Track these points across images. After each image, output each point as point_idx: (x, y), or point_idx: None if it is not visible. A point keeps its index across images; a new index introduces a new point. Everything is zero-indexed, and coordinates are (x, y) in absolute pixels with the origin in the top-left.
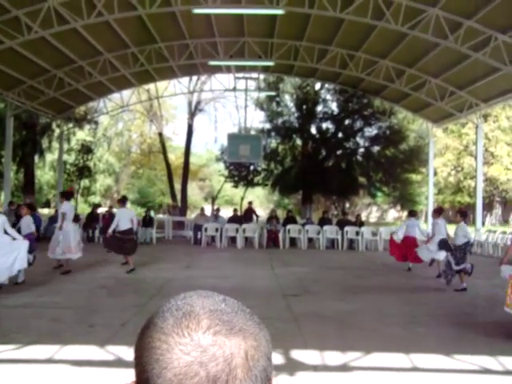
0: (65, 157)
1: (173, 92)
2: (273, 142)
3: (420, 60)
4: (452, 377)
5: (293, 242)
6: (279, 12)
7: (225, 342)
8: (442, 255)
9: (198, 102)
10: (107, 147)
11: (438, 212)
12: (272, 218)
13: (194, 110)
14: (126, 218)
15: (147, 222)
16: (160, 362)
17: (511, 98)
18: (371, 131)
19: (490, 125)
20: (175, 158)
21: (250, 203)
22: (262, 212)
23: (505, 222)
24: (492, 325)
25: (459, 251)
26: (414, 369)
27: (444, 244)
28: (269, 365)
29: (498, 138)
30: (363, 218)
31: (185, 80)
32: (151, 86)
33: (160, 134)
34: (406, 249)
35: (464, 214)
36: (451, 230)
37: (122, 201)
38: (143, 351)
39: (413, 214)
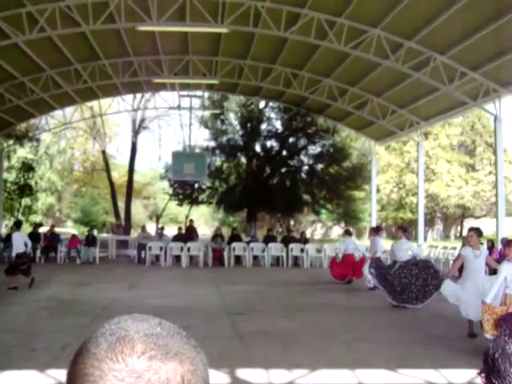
0: (5, 175)
1: (116, 109)
2: (217, 160)
3: (362, 79)
4: None
5: (238, 260)
6: (224, 30)
7: (160, 367)
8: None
9: (142, 120)
10: (49, 165)
11: (377, 230)
12: (217, 236)
13: (137, 128)
14: (20, 242)
15: (90, 241)
16: None
17: (450, 117)
18: (315, 149)
19: (431, 142)
20: (119, 176)
21: (192, 221)
22: (206, 230)
23: (446, 237)
24: (434, 338)
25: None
26: None
27: (375, 262)
28: None
29: (439, 155)
30: (308, 235)
31: (129, 97)
32: (94, 103)
33: (103, 152)
34: (345, 267)
35: (404, 229)
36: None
37: (17, 225)
38: (75, 379)
39: (349, 232)
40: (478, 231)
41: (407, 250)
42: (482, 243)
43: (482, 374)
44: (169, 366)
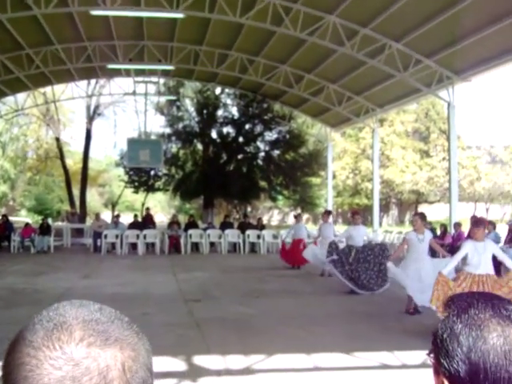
0: None
1: (70, 96)
2: (173, 147)
3: (318, 66)
4: (352, 374)
5: (195, 246)
6: (179, 16)
7: (99, 354)
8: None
9: (97, 106)
10: (1, 153)
11: (327, 214)
12: (173, 223)
13: (92, 115)
14: None
15: (44, 229)
16: (29, 380)
17: (405, 104)
18: (271, 135)
19: (386, 129)
20: (73, 163)
21: (148, 210)
22: (163, 217)
23: (401, 222)
24: (388, 320)
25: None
26: (316, 368)
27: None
28: (149, 376)
29: (393, 141)
30: (264, 222)
31: (83, 83)
32: (48, 89)
33: (57, 139)
34: (295, 252)
35: (355, 214)
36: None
37: None
38: (12, 368)
39: (299, 217)
40: (421, 216)
41: (364, 235)
42: (434, 228)
43: (431, 355)
44: (108, 352)
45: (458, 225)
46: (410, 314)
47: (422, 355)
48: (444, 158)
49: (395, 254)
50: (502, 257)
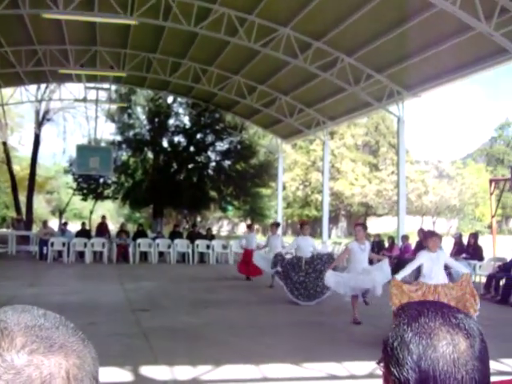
0: None
1: (19, 100)
2: (124, 155)
3: (271, 77)
4: None
5: (143, 256)
6: (132, 22)
7: (42, 362)
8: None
9: (46, 112)
10: None
11: (276, 226)
12: (122, 231)
13: (41, 120)
14: None
15: None
16: None
17: (356, 117)
18: (223, 146)
19: (336, 142)
20: (21, 169)
21: (104, 218)
22: (112, 226)
23: (349, 234)
24: (337, 331)
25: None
26: (264, 379)
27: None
28: None
29: (344, 154)
30: (214, 232)
31: (32, 88)
32: None
33: (4, 144)
34: (247, 262)
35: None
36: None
37: None
38: None
39: (251, 227)
40: (363, 226)
41: (311, 245)
42: (382, 240)
43: (381, 364)
44: (52, 360)
45: (405, 237)
46: (356, 323)
47: (370, 365)
48: (393, 172)
49: (335, 262)
50: (454, 265)
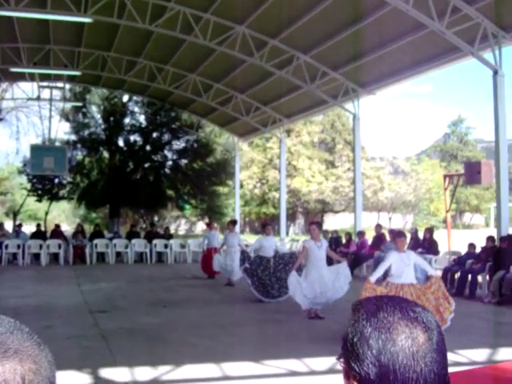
0: None
1: None
2: (79, 155)
3: (227, 75)
4: (261, 382)
5: (100, 257)
6: (86, 20)
7: None
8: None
9: None
10: None
11: (233, 224)
12: (78, 232)
13: None
14: None
15: None
16: None
17: (312, 115)
18: (179, 144)
19: (293, 139)
20: None
21: (58, 226)
22: (67, 227)
23: (307, 231)
24: (296, 327)
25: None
26: (225, 378)
27: (244, 254)
28: None
29: (300, 152)
30: (172, 231)
31: None
32: None
33: None
34: (208, 260)
35: (267, 225)
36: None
37: None
38: None
39: (211, 226)
40: (319, 224)
41: (274, 245)
42: (339, 237)
43: (341, 359)
44: (6, 365)
45: (361, 233)
46: (310, 318)
47: (330, 360)
48: (349, 169)
49: (296, 263)
50: (423, 265)
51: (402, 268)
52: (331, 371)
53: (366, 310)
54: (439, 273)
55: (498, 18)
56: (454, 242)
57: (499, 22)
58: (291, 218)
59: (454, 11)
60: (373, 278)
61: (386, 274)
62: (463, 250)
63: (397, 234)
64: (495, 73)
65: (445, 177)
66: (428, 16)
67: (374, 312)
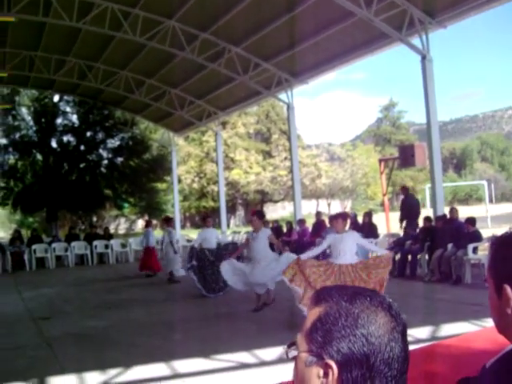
0: None
1: None
2: (11, 158)
3: (159, 71)
4: (213, 377)
5: (40, 262)
6: (10, 19)
7: None
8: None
9: None
10: None
11: (168, 220)
12: (15, 239)
13: None
14: None
15: None
16: None
17: (246, 106)
18: (114, 142)
19: (229, 132)
20: None
21: None
22: (3, 233)
23: (248, 222)
24: (244, 320)
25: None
26: (176, 375)
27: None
28: None
29: (237, 143)
30: (112, 231)
31: None
32: None
33: None
34: (147, 258)
35: (207, 217)
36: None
37: None
38: None
39: (149, 224)
40: (259, 214)
41: (216, 237)
42: (280, 226)
43: (292, 347)
44: None
45: (302, 221)
46: (256, 310)
47: (279, 350)
48: (286, 158)
49: (237, 252)
50: (366, 245)
51: (337, 248)
52: (281, 361)
53: (347, 293)
54: (390, 254)
55: (424, 5)
56: (392, 224)
57: (425, 8)
58: (231, 210)
59: None
60: (304, 256)
61: (325, 255)
62: (402, 232)
63: (332, 217)
64: (423, 58)
65: (380, 161)
66: (356, 4)
67: (356, 295)
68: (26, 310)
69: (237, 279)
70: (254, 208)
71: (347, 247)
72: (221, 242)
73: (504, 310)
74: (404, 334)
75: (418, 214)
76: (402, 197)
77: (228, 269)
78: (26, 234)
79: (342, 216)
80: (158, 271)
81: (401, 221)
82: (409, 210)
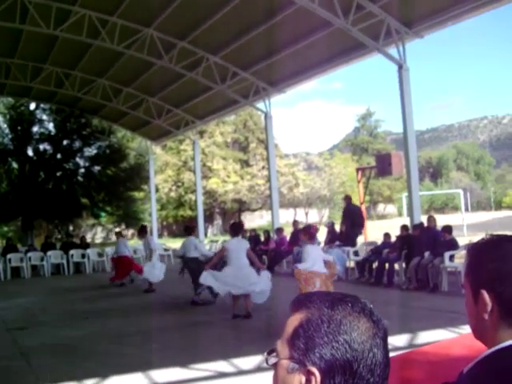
0: None
1: None
2: None
3: (137, 79)
4: None
5: (15, 271)
6: None
7: None
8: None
9: None
10: None
11: (144, 231)
12: None
13: None
14: None
15: None
16: None
17: (224, 115)
18: (91, 151)
19: (206, 140)
20: None
21: None
22: None
23: (225, 231)
24: (221, 328)
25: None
26: None
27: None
28: None
29: (214, 152)
30: (88, 240)
31: None
32: None
33: None
34: (123, 267)
35: (190, 228)
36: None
37: None
38: None
39: (120, 234)
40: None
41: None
42: (258, 235)
43: (272, 354)
44: None
45: (280, 230)
46: (233, 317)
47: (257, 359)
48: (263, 167)
49: (212, 262)
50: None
51: (315, 258)
52: (259, 369)
53: (328, 299)
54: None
55: (401, 15)
56: (369, 232)
57: (402, 18)
58: (209, 219)
59: (358, 9)
60: (301, 266)
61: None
62: (379, 240)
63: (302, 230)
64: (400, 67)
65: (357, 170)
66: (333, 14)
67: (337, 302)
68: (1, 320)
69: (220, 283)
70: (232, 217)
71: (320, 257)
72: (206, 255)
73: (481, 315)
74: (385, 340)
75: (361, 221)
76: (344, 205)
77: (208, 275)
78: (0, 243)
79: (308, 227)
80: (141, 273)
81: (342, 228)
82: (352, 218)
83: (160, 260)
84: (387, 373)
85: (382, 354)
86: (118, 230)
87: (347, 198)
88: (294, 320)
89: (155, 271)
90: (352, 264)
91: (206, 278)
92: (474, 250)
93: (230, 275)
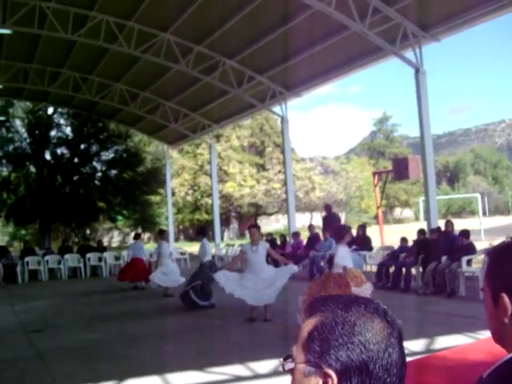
0: None
1: None
2: (4, 171)
3: (153, 83)
4: None
5: (32, 274)
6: (5, 31)
7: None
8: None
9: None
10: None
11: (162, 233)
12: (7, 251)
13: None
14: None
15: None
16: None
17: (240, 119)
18: (108, 155)
19: (223, 144)
20: None
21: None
22: None
23: (241, 235)
24: (236, 332)
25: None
26: None
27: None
28: None
29: (231, 156)
30: (105, 243)
31: None
32: None
33: None
34: (134, 269)
35: (203, 231)
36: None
37: None
38: None
39: (137, 236)
40: (258, 227)
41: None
42: (274, 239)
43: (288, 360)
44: None
45: (296, 234)
46: (251, 320)
47: (273, 363)
48: (280, 171)
49: (230, 264)
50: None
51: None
52: (275, 374)
53: (341, 301)
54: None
55: (418, 18)
56: (386, 237)
57: (419, 21)
58: (225, 223)
59: (374, 12)
60: (350, 265)
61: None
62: (396, 245)
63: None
64: (417, 71)
65: (374, 174)
66: (350, 18)
67: (351, 303)
68: (18, 322)
69: (235, 285)
70: (248, 221)
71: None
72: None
73: (501, 319)
74: (400, 340)
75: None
76: (324, 213)
77: (222, 276)
78: (18, 246)
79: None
80: (146, 282)
81: (325, 236)
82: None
83: (174, 263)
84: (404, 372)
85: (397, 353)
86: (137, 232)
87: (327, 207)
88: (309, 324)
89: (164, 277)
90: (369, 268)
91: (220, 276)
92: (495, 253)
93: (250, 279)
